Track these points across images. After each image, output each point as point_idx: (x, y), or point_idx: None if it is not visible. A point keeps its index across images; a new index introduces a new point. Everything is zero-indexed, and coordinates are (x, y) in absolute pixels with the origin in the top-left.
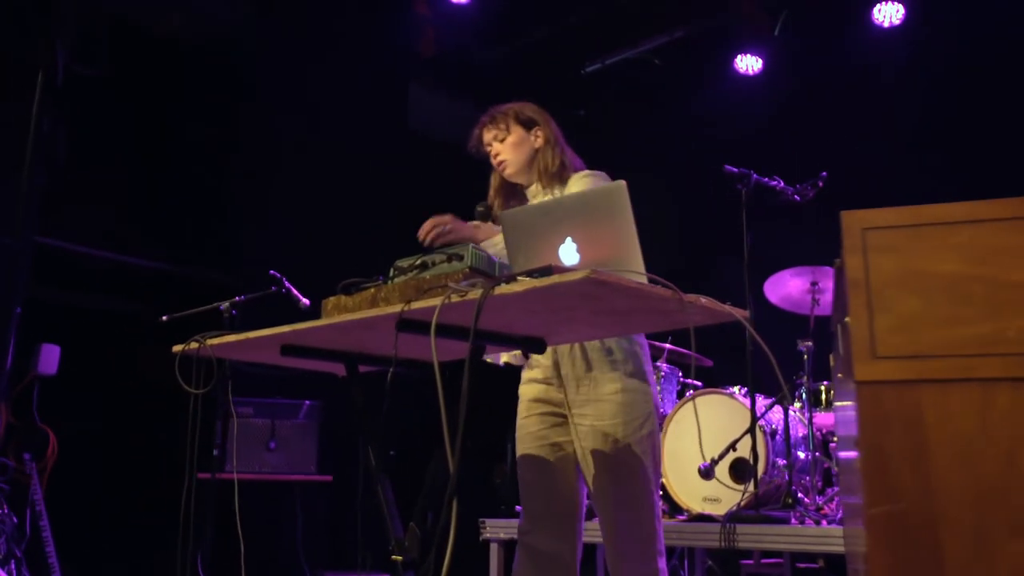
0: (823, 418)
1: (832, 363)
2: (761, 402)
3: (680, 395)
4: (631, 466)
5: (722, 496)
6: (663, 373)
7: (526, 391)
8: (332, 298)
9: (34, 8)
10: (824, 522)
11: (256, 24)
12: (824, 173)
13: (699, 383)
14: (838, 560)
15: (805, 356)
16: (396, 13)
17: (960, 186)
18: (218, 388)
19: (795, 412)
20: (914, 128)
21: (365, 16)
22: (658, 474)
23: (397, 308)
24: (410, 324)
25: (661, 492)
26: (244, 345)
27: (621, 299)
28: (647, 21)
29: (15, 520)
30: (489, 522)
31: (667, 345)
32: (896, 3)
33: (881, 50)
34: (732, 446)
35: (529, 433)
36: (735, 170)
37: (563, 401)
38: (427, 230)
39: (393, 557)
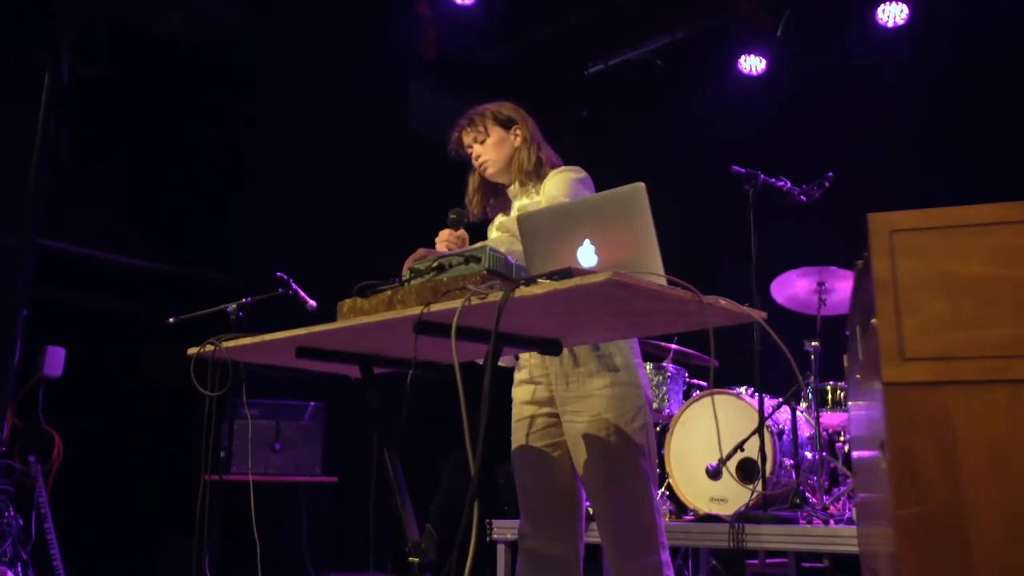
0: (829, 418)
1: (847, 364)
2: (767, 402)
3: (686, 396)
4: (626, 460)
5: (729, 496)
6: (669, 374)
7: (518, 393)
8: (348, 300)
9: (35, 9)
10: (832, 522)
11: (256, 24)
12: (831, 174)
13: (704, 383)
14: (844, 560)
15: (812, 356)
16: (397, 13)
17: (963, 185)
18: (231, 390)
19: (801, 412)
20: (917, 128)
21: (366, 16)
22: (654, 467)
23: (416, 311)
24: (429, 327)
25: (667, 492)
26: (260, 348)
27: (641, 301)
28: (649, 21)
29: (21, 522)
30: (496, 523)
31: (673, 346)
32: (900, 3)
33: (884, 50)
34: (740, 446)
35: (524, 436)
36: (743, 171)
37: (554, 399)
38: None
39: (410, 559)
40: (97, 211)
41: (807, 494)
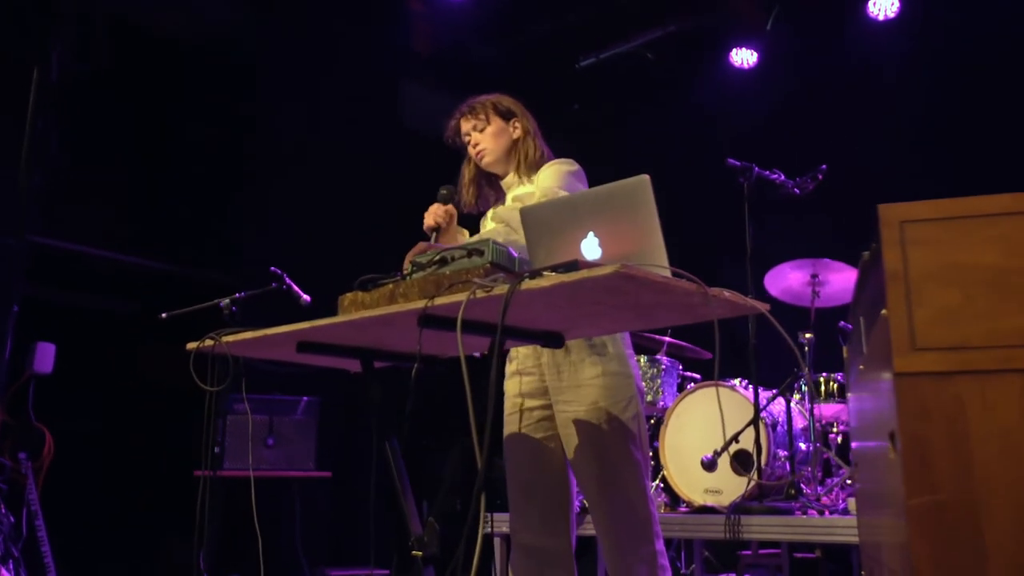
0: (822, 409)
1: (846, 355)
2: (762, 394)
3: (680, 388)
4: (618, 449)
5: (724, 488)
6: (663, 366)
7: (509, 386)
8: (349, 294)
9: (31, 6)
10: (827, 512)
11: (256, 24)
12: (824, 166)
13: (698, 376)
14: (835, 550)
15: (806, 348)
16: (395, 13)
17: (959, 179)
18: (231, 386)
19: (795, 404)
20: (912, 122)
21: (365, 16)
22: (646, 457)
23: (419, 304)
24: (434, 320)
25: (662, 484)
26: (260, 342)
27: (648, 293)
28: (642, 15)
29: (12, 520)
30: (494, 517)
31: (667, 338)
32: None
33: (877, 43)
34: (735, 437)
35: (515, 430)
36: (737, 163)
37: (545, 390)
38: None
39: (413, 553)
40: (97, 211)
41: (801, 485)
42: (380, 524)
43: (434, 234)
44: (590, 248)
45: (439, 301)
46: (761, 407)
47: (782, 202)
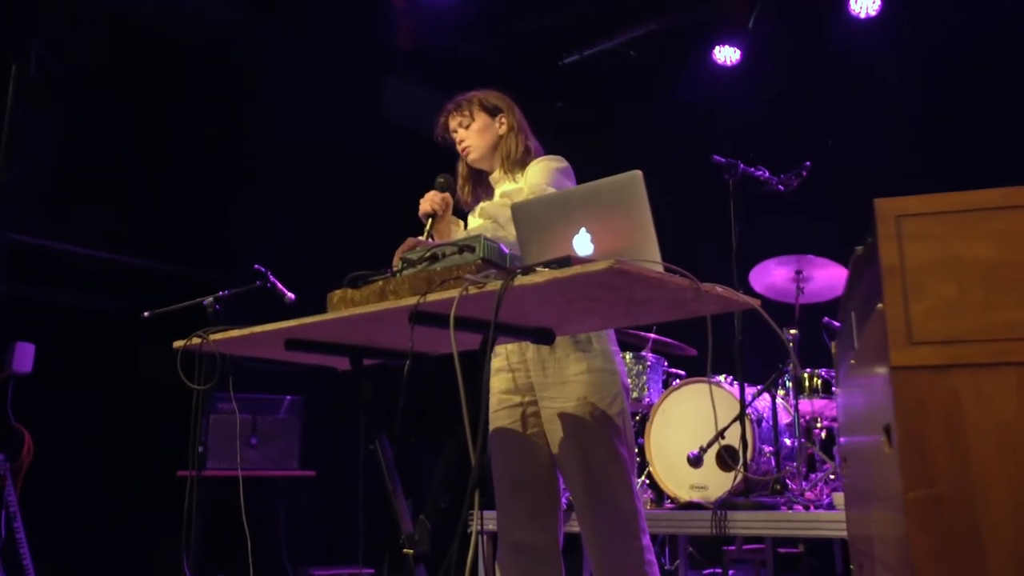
0: (807, 405)
1: (834, 351)
2: (747, 390)
3: (666, 385)
4: (604, 444)
5: (709, 484)
6: (649, 363)
7: (495, 383)
8: (338, 291)
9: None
10: (812, 507)
11: (256, 24)
12: (808, 163)
13: (683, 373)
14: (818, 544)
15: (791, 344)
16: (378, 8)
17: (947, 172)
18: (217, 384)
19: (780, 399)
20: (897, 117)
21: (364, 16)
22: (632, 453)
23: (410, 301)
24: (425, 317)
25: (648, 481)
26: (248, 340)
27: (641, 289)
28: (625, 13)
29: None
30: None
31: (652, 335)
32: None
33: (860, 40)
34: (721, 434)
35: (501, 427)
36: (723, 160)
37: (531, 386)
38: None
39: (404, 551)
40: (96, 211)
41: (787, 480)
42: (368, 523)
43: (429, 221)
44: (582, 244)
45: (431, 297)
46: (747, 403)
47: (767, 198)
